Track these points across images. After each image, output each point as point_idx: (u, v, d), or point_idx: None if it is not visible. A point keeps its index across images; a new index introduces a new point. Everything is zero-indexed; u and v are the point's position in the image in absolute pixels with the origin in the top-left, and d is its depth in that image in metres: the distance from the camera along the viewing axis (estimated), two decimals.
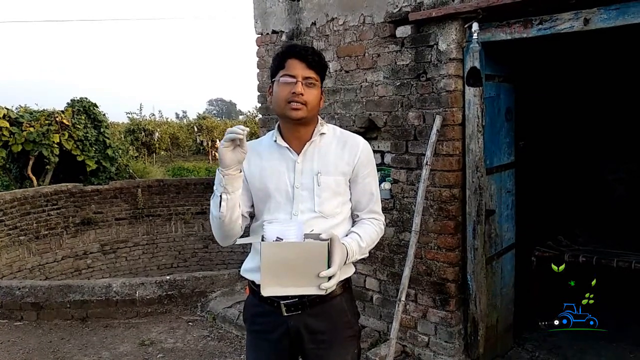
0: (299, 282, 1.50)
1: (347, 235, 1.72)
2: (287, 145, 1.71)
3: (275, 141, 1.73)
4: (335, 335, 1.71)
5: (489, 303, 3.22)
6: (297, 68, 1.63)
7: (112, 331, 4.19)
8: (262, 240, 1.53)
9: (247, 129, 1.53)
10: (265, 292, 1.51)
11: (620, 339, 3.61)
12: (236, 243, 1.70)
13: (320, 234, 1.56)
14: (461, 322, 3.18)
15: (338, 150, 1.72)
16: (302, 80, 1.62)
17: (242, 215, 1.71)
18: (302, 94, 1.61)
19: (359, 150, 1.72)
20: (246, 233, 1.77)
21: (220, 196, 1.58)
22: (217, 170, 1.59)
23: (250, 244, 1.75)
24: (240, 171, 1.58)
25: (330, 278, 1.51)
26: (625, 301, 4.15)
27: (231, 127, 1.55)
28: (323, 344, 1.70)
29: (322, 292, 1.51)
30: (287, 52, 1.67)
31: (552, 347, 3.54)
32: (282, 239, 1.50)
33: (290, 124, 1.69)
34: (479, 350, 3.14)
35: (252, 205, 1.78)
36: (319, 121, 1.75)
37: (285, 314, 1.66)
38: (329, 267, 1.50)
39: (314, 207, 1.68)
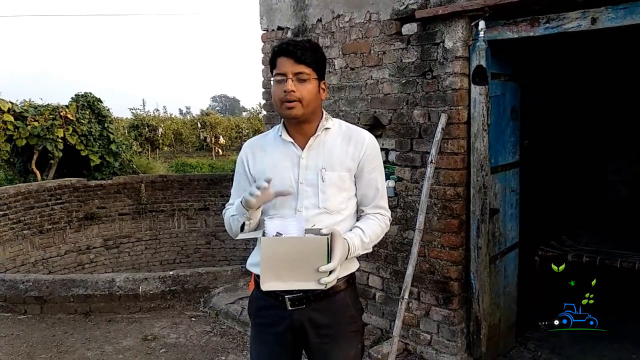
0: (299, 276, 1.51)
1: (350, 230, 1.71)
2: (292, 141, 1.71)
3: (281, 136, 1.74)
4: (339, 330, 1.71)
5: (491, 302, 3.21)
6: (287, 65, 1.62)
7: (115, 326, 4.20)
8: (263, 235, 1.55)
9: (265, 184, 1.56)
10: (265, 286, 1.52)
11: (623, 339, 3.61)
12: (237, 238, 1.72)
13: (321, 229, 1.56)
14: (464, 321, 3.18)
15: (343, 145, 1.71)
16: (292, 77, 1.61)
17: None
18: (293, 91, 1.60)
19: (365, 145, 1.71)
20: None
21: (243, 222, 1.65)
22: (241, 203, 1.63)
23: (256, 238, 1.76)
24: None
25: (330, 273, 1.51)
26: (627, 301, 4.14)
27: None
28: (327, 338, 1.70)
29: (322, 287, 1.52)
30: (277, 50, 1.66)
31: (555, 347, 3.54)
32: (282, 234, 1.51)
33: (292, 121, 1.69)
34: (482, 349, 3.14)
35: None
36: (324, 116, 1.74)
37: (290, 308, 1.66)
38: (329, 261, 1.51)
39: (318, 203, 1.68)
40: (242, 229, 1.67)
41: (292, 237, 1.51)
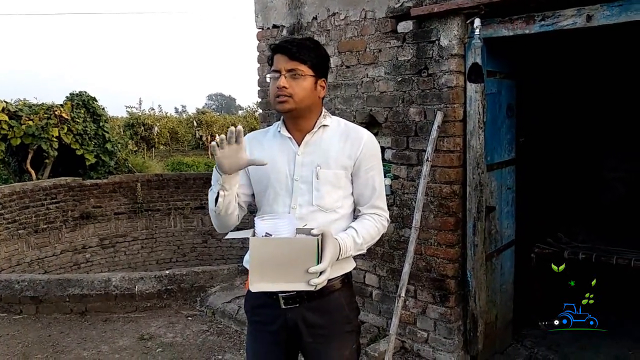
0: (288, 277, 1.50)
1: (344, 231, 1.70)
2: (290, 136, 1.71)
3: (280, 131, 1.73)
4: (333, 330, 1.70)
5: (488, 299, 3.22)
6: (281, 62, 1.64)
7: (111, 325, 4.18)
8: (253, 235, 1.53)
9: (223, 137, 1.52)
10: (254, 287, 1.51)
11: (619, 336, 3.61)
12: (226, 237, 1.71)
13: (312, 229, 1.54)
14: (460, 319, 3.18)
15: (340, 143, 1.70)
16: (285, 73, 1.62)
17: (240, 205, 1.74)
18: (285, 87, 1.61)
19: (362, 143, 1.70)
20: (242, 224, 1.77)
21: (218, 192, 1.61)
22: (214, 168, 1.61)
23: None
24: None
25: (320, 274, 1.49)
26: (624, 299, 4.16)
27: (231, 123, 1.58)
28: (320, 338, 1.69)
29: (312, 288, 1.50)
30: (274, 48, 1.68)
31: (551, 344, 3.55)
32: (271, 235, 1.49)
33: (289, 117, 1.70)
34: (478, 346, 3.14)
35: (252, 195, 1.79)
36: (322, 113, 1.73)
37: (283, 307, 1.66)
38: (319, 263, 1.49)
39: (312, 200, 1.67)
40: (216, 202, 1.62)
41: (281, 238, 1.49)
